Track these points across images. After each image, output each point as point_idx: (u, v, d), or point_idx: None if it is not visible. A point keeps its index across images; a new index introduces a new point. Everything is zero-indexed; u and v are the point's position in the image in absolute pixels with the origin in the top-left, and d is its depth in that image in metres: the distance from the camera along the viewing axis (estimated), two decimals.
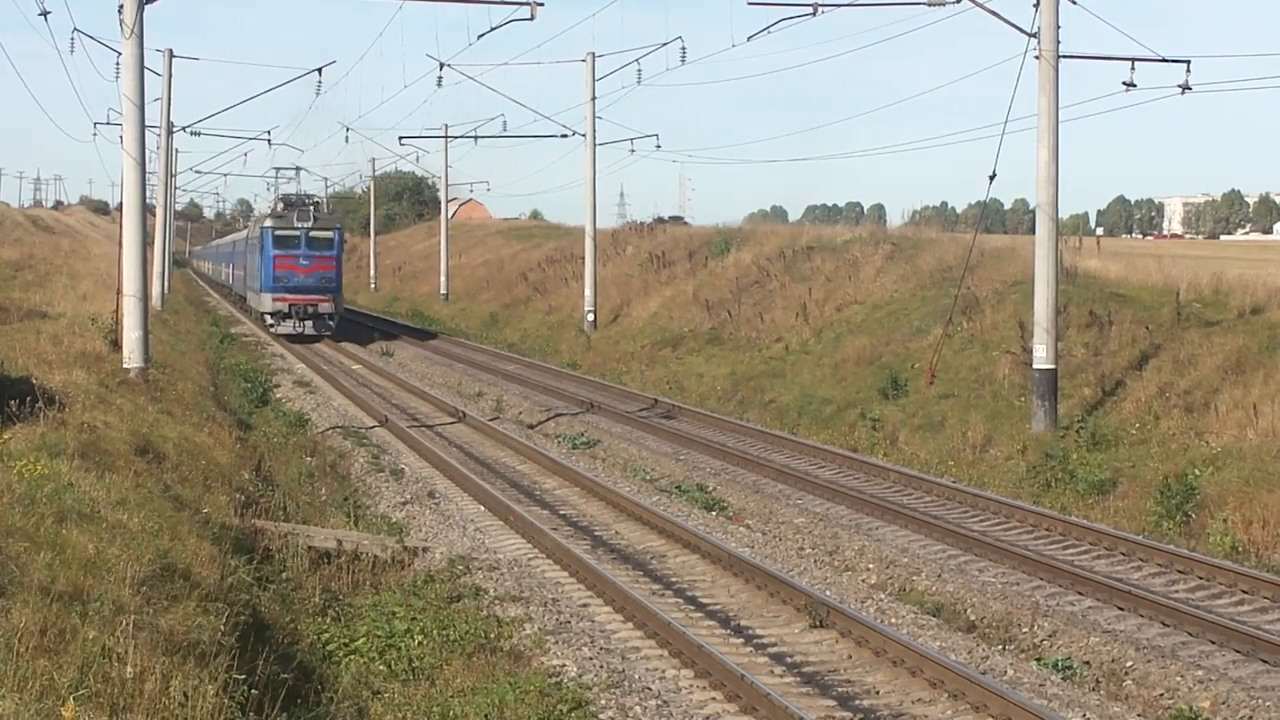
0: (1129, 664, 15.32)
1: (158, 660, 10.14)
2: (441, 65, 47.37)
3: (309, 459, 26.30)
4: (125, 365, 27.68)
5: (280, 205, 59.26)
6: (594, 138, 54.41)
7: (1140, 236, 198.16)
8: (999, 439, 28.42)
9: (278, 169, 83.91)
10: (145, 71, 29.16)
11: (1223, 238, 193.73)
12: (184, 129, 64.40)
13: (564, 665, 14.07)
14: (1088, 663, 15.56)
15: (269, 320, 57.21)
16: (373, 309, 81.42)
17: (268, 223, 57.29)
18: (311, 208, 57.65)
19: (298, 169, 77.03)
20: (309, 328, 56.15)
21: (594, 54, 53.72)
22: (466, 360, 50.81)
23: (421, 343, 59.16)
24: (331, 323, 56.91)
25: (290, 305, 55.99)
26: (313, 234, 55.91)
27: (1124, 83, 29.56)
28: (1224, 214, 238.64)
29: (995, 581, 18.66)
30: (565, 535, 20.90)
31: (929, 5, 29.34)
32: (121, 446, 19.15)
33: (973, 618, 17.41)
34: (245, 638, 12.66)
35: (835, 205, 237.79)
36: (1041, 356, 28.16)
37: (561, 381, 43.21)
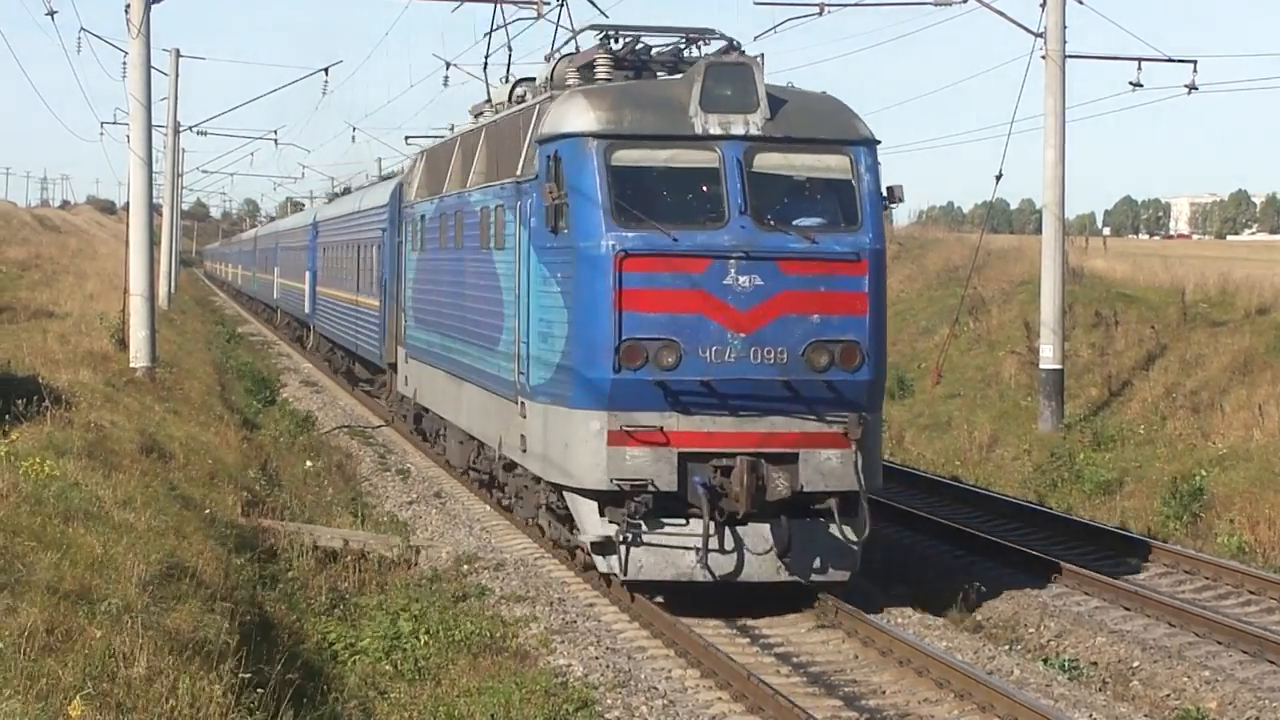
0: (1135, 664, 15.31)
1: (164, 660, 10.14)
2: (448, 64, 47.31)
3: (315, 459, 26.28)
4: (132, 364, 27.67)
5: (611, 47, 17.39)
6: None
7: (1148, 237, 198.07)
8: (1005, 439, 28.41)
9: None
10: (152, 71, 29.17)
11: (1229, 238, 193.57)
12: (190, 128, 64.46)
13: (570, 665, 14.06)
14: (1094, 663, 15.54)
15: (579, 530, 16.01)
16: None
17: (582, 120, 15.66)
18: (744, 64, 15.80)
19: None
20: (765, 565, 15.47)
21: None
22: None
23: None
24: (855, 542, 15.63)
25: (713, 458, 15.27)
26: (767, 166, 15.69)
27: (1130, 82, 29.56)
28: (1231, 214, 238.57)
29: (1001, 581, 18.63)
30: None
31: (935, 5, 29.33)
32: (128, 446, 19.15)
33: (979, 618, 17.38)
34: (252, 637, 12.66)
35: None
36: (1048, 356, 28.15)
37: None
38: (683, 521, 15.42)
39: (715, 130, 15.54)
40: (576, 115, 15.89)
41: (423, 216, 24.24)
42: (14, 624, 9.85)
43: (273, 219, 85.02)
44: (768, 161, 15.69)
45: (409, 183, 26.94)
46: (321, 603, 16.12)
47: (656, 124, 15.70)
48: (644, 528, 15.36)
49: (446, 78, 47.49)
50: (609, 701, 13.00)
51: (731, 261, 15.20)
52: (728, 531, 15.42)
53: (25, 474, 14.48)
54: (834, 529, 15.66)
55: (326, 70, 42.14)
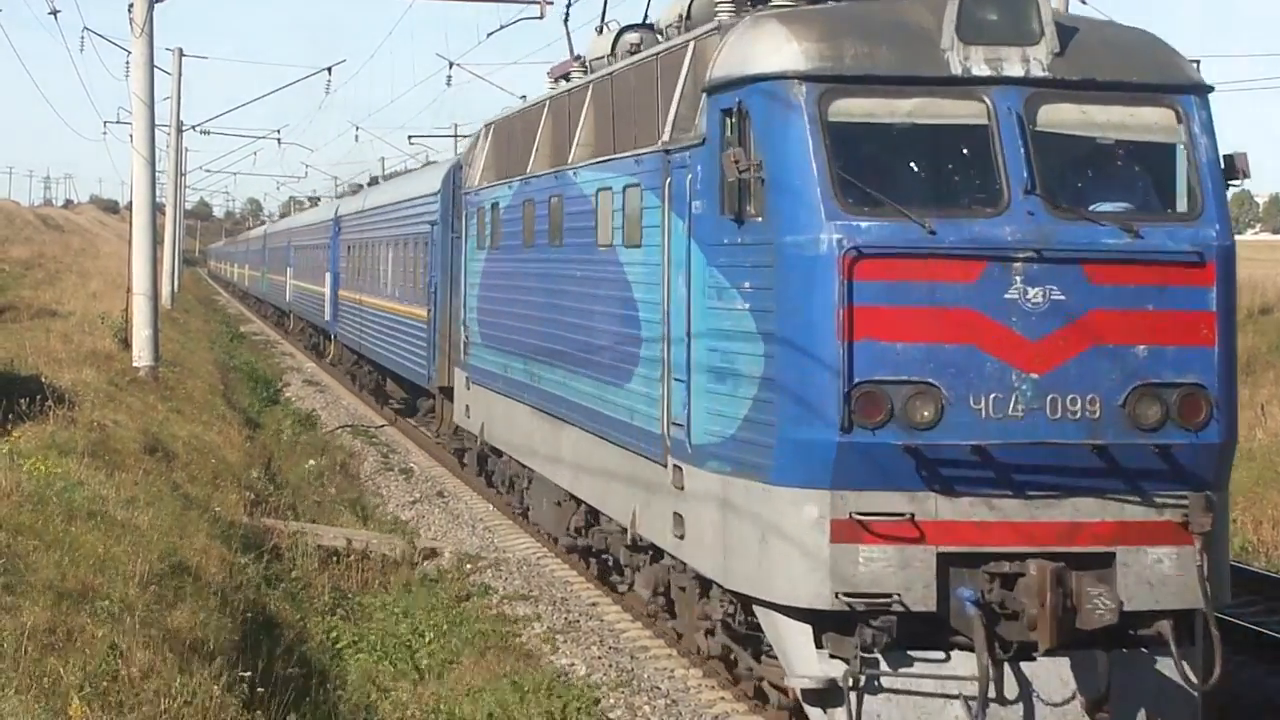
0: None
1: (165, 658, 10.15)
2: (451, 64, 47.39)
3: (318, 459, 26.28)
4: (135, 364, 27.69)
5: None
6: None
7: None
8: None
9: None
10: (155, 70, 29.19)
11: None
12: (194, 128, 64.62)
13: (573, 664, 14.07)
14: None
15: (779, 662, 11.02)
16: None
17: (782, 55, 10.65)
18: None
19: None
20: None
21: None
22: None
23: None
24: (1196, 686, 10.34)
25: (989, 560, 10.33)
26: (1058, 122, 10.74)
27: None
28: (1233, 214, 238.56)
29: None
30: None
31: None
32: (131, 445, 19.17)
33: None
34: (253, 636, 12.67)
35: None
36: None
37: None
38: (942, 656, 10.32)
39: (981, 70, 10.62)
40: (773, 48, 10.78)
41: (494, 205, 19.22)
42: (16, 623, 9.86)
43: (284, 215, 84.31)
44: (1058, 116, 10.74)
45: (469, 164, 21.72)
46: (324, 602, 16.12)
47: (893, 61, 10.62)
48: (884, 665, 10.24)
49: (449, 77, 47.74)
50: (611, 701, 13.00)
51: (1017, 265, 10.21)
52: (1008, 670, 10.25)
53: (28, 473, 14.51)
54: (1167, 665, 10.41)
55: (329, 69, 42.38)
